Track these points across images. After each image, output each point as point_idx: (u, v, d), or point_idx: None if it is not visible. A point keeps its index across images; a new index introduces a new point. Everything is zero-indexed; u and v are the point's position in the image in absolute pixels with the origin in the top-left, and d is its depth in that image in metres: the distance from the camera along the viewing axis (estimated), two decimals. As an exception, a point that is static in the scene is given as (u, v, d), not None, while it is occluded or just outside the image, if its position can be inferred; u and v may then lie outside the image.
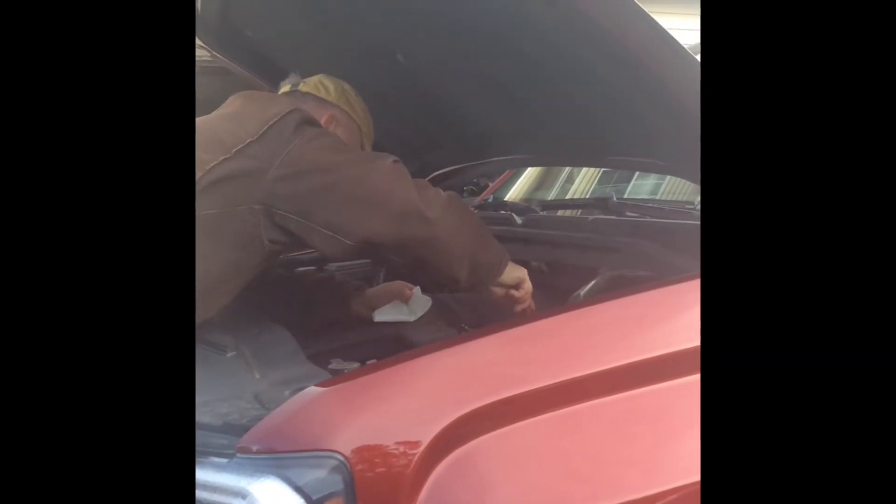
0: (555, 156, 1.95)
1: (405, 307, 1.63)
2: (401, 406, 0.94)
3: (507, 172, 2.73)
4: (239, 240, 1.29)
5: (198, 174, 1.25)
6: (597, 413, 1.00)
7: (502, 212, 1.99)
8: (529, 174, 2.73)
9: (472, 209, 1.43)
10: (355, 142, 1.59)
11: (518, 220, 1.82)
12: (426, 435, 0.90)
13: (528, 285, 1.48)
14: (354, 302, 1.70)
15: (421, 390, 0.96)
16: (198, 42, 2.10)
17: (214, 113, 1.49)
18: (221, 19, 1.93)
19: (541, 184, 2.75)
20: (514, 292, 1.46)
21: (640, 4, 1.09)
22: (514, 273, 1.46)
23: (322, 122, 1.48)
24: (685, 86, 1.09)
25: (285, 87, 1.62)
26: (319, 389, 0.96)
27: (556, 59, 1.40)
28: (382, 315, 1.61)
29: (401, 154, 2.22)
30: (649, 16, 1.08)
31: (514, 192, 2.64)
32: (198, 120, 1.49)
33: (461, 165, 2.18)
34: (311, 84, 1.59)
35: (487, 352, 1.05)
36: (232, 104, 1.48)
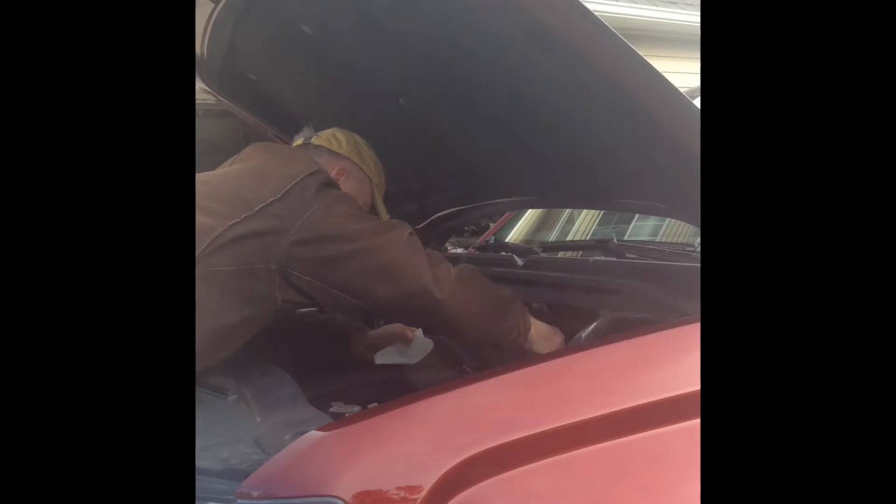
0: (556, 198, 1.96)
1: (406, 350, 1.63)
2: (402, 450, 0.94)
3: (507, 214, 2.75)
4: (252, 297, 1.31)
5: (219, 229, 1.27)
6: (598, 458, 0.99)
7: (503, 253, 2.00)
8: (530, 216, 2.74)
9: (485, 279, 1.46)
10: (366, 193, 1.61)
11: (519, 261, 1.83)
12: (428, 480, 0.89)
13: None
14: (356, 344, 1.70)
15: (422, 434, 0.96)
16: (202, 86, 2.13)
17: (235, 166, 1.51)
18: (225, 63, 1.96)
19: (541, 225, 2.76)
20: None
21: (637, 50, 1.11)
22: (546, 341, 1.48)
23: (333, 174, 1.51)
24: (685, 130, 1.10)
25: (299, 141, 1.66)
26: (320, 434, 0.96)
27: (556, 102, 1.42)
28: (383, 358, 1.61)
29: (402, 196, 2.25)
30: (648, 63, 1.09)
31: (515, 234, 2.65)
32: (219, 172, 1.50)
33: (462, 207, 2.20)
34: (323, 137, 1.63)
35: (488, 395, 1.05)
36: (253, 157, 1.50)
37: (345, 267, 1.31)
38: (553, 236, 2.71)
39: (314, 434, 0.95)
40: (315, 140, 1.62)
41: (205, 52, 1.95)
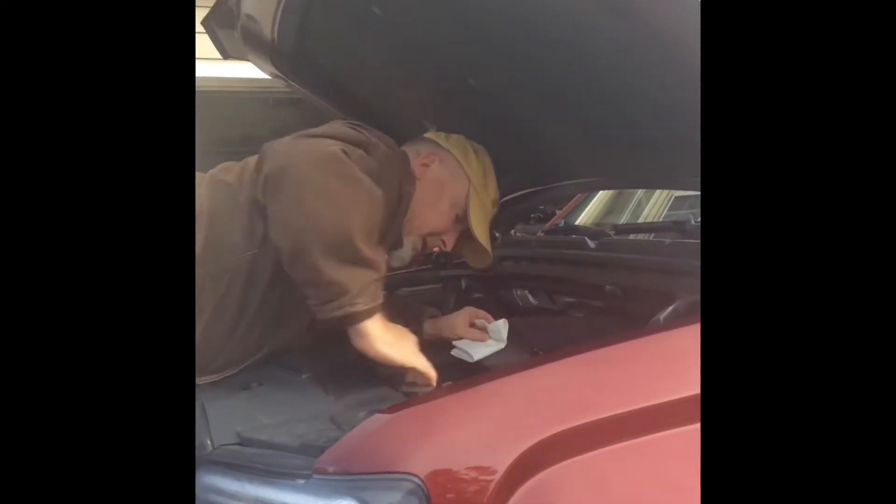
0: (625, 179, 1.92)
1: (492, 341, 1.59)
2: (476, 431, 0.93)
3: (577, 197, 2.71)
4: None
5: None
6: (676, 442, 0.97)
7: (573, 236, 1.97)
8: (600, 199, 2.70)
9: None
10: (458, 189, 1.59)
11: (591, 244, 1.80)
12: (503, 462, 0.89)
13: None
14: (428, 327, 1.69)
15: (496, 415, 0.95)
16: (274, 72, 2.16)
17: None
18: (296, 49, 1.98)
19: (611, 208, 2.71)
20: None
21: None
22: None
23: (423, 157, 1.56)
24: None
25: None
26: (395, 412, 0.96)
27: (625, 78, 1.38)
28: (479, 353, 1.57)
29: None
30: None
31: (585, 217, 2.62)
32: None
33: (529, 190, 2.17)
34: (436, 133, 1.68)
35: (561, 376, 1.03)
36: None
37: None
38: (623, 219, 2.66)
39: (389, 412, 0.96)
40: (427, 135, 1.67)
41: (275, 37, 1.97)
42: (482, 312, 1.66)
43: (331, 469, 0.90)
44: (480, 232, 1.60)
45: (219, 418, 1.04)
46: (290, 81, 2.16)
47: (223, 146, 3.99)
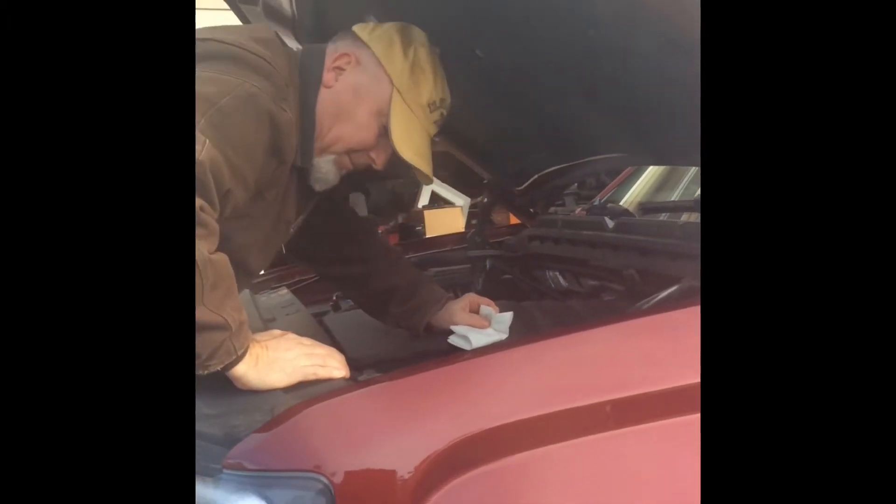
0: (654, 155, 1.79)
1: (493, 331, 1.50)
2: (390, 428, 0.87)
3: (626, 171, 2.58)
4: None
5: None
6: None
7: (594, 216, 1.86)
8: (651, 174, 2.56)
9: None
10: (378, 96, 1.32)
11: (609, 224, 1.69)
12: (413, 462, 0.83)
13: None
14: (433, 314, 1.56)
15: (414, 411, 0.88)
16: (297, 45, 2.13)
17: None
18: (316, 23, 1.95)
19: (664, 184, 2.56)
20: None
21: None
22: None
23: (335, 59, 1.33)
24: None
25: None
26: (312, 405, 0.91)
27: (654, 54, 1.27)
28: (478, 341, 1.47)
29: (503, 157, 2.15)
30: None
31: (632, 194, 2.48)
32: None
33: (563, 166, 2.07)
34: (363, 25, 1.41)
35: (496, 369, 0.96)
36: None
37: None
38: (676, 195, 2.51)
39: (306, 404, 0.91)
40: (355, 26, 1.40)
41: (294, 11, 1.95)
42: (485, 300, 1.55)
43: (240, 464, 0.86)
44: (405, 145, 1.32)
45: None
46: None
47: None
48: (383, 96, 1.32)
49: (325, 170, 1.34)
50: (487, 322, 1.50)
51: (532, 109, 1.81)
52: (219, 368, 1.06)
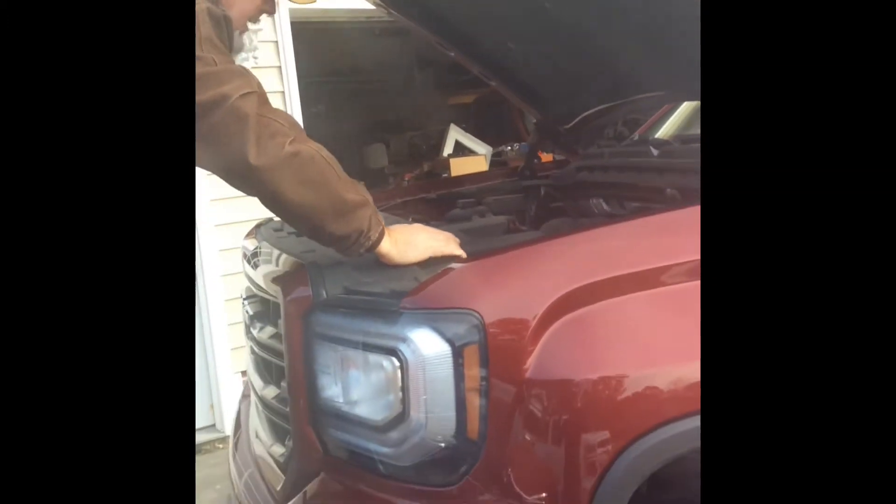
0: (688, 92, 2.09)
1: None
2: (524, 283, 1.21)
3: (664, 108, 2.86)
4: None
5: None
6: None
7: (643, 146, 2.17)
8: (682, 111, 2.84)
9: (333, 173, 1.31)
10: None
11: (654, 152, 2.00)
12: (542, 305, 1.16)
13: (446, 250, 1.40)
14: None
15: (539, 270, 1.22)
16: (377, 2, 2.41)
17: None
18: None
19: (694, 119, 2.85)
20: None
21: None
22: (410, 249, 1.40)
23: None
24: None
25: None
26: (463, 264, 1.25)
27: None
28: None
29: (551, 97, 2.45)
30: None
31: (667, 129, 2.77)
32: None
33: (608, 105, 2.37)
34: None
35: (596, 242, 1.29)
36: None
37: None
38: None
39: (459, 264, 1.25)
40: None
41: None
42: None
43: (413, 305, 1.19)
44: None
45: (331, 277, 1.35)
46: (392, 10, 2.41)
47: (330, 76, 4.15)
48: None
49: (244, 40, 1.56)
50: None
51: (581, 55, 2.11)
52: (373, 240, 1.35)
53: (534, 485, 1.15)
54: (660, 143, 2.10)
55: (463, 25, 2.38)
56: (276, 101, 3.90)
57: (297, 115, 4.07)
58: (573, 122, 2.52)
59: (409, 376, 1.17)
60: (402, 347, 1.17)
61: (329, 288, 1.33)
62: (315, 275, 1.35)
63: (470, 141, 7.28)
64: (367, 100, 8.84)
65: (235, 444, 1.93)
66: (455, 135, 7.19)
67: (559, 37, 2.08)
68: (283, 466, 1.47)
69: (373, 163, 8.51)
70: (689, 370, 1.11)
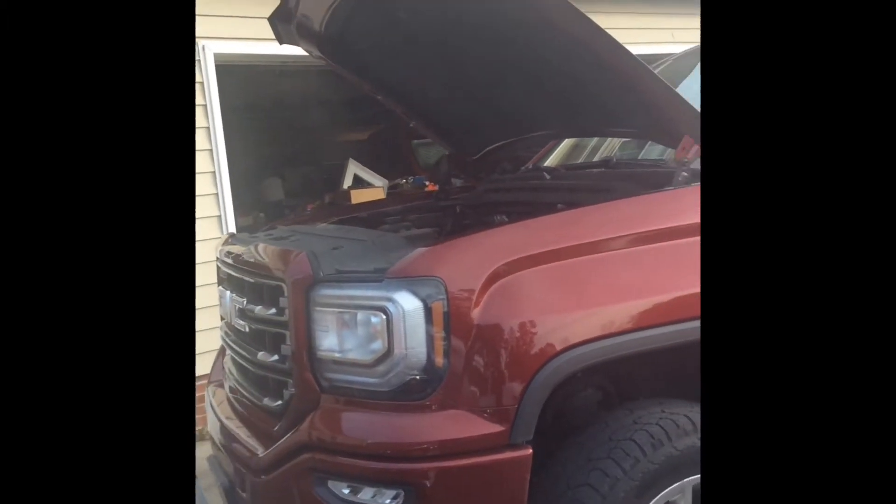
0: (571, 130, 2.73)
1: None
2: (472, 258, 1.74)
3: (549, 144, 3.50)
4: None
5: None
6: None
7: (537, 172, 2.78)
8: (564, 146, 3.49)
9: None
10: None
11: (548, 176, 2.61)
12: (484, 274, 1.70)
13: None
14: None
15: (483, 250, 1.76)
16: (318, 54, 2.92)
17: None
18: (339, 35, 2.76)
19: (572, 152, 3.51)
20: None
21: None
22: None
23: None
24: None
25: None
26: (433, 245, 1.78)
27: (568, 61, 2.18)
28: None
29: (465, 130, 3.05)
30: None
31: (552, 159, 3.41)
32: None
33: (507, 141, 2.98)
34: None
35: (517, 232, 1.85)
36: None
37: None
38: (583, 159, 3.47)
39: (429, 244, 1.78)
40: None
41: (322, 29, 2.74)
42: None
43: (396, 275, 1.70)
44: None
45: (325, 261, 1.84)
46: (331, 62, 2.93)
47: (228, 114, 4.43)
48: None
49: None
50: None
51: (487, 100, 2.70)
52: None
53: (481, 395, 1.68)
54: (550, 170, 2.72)
55: (388, 75, 2.94)
56: (201, 137, 4.27)
57: (222, 149, 4.45)
58: (479, 154, 3.11)
59: (393, 325, 1.68)
60: (388, 305, 1.68)
61: (324, 269, 1.82)
62: (313, 260, 1.84)
63: (367, 174, 7.79)
64: (264, 136, 9.20)
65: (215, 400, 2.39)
66: (354, 168, 7.70)
67: (467, 84, 2.67)
68: (278, 411, 1.93)
69: (270, 195, 8.87)
70: (575, 317, 1.70)
